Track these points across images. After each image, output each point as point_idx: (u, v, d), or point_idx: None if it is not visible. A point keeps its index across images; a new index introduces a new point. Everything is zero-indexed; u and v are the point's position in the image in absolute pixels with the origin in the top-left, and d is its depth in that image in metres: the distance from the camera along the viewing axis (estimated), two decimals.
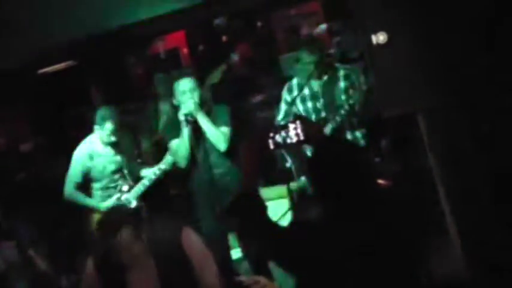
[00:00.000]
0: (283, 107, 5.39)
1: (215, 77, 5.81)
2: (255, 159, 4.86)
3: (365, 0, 2.96)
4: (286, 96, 5.37)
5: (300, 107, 5.28)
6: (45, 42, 6.35)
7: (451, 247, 3.28)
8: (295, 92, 5.28)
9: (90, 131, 6.77)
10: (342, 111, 5.06)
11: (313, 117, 5.21)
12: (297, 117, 5.19)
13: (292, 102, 5.27)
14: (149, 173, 5.42)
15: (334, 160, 2.54)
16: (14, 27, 5.66)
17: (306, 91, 5.22)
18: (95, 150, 5.36)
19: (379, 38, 2.93)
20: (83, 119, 7.70)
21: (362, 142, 5.19)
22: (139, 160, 5.92)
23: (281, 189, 5.91)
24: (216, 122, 4.64)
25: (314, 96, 5.23)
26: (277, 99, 5.71)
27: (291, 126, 4.92)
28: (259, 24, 9.38)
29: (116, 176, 5.40)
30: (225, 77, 6.10)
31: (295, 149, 5.35)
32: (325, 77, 5.20)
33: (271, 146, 5.00)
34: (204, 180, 4.66)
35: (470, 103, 3.01)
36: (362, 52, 6.21)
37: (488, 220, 3.02)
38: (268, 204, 4.96)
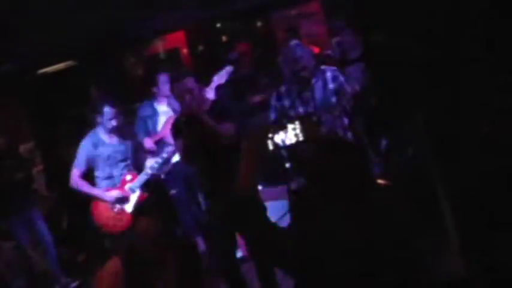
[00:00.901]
0: (273, 115, 5.39)
1: (221, 78, 5.80)
2: (254, 159, 4.85)
3: (365, 0, 2.96)
4: (275, 103, 5.37)
5: (291, 113, 5.28)
6: (46, 42, 6.35)
7: (451, 247, 3.28)
8: (285, 100, 5.29)
9: (90, 130, 6.77)
10: (335, 113, 5.07)
11: None
12: (296, 117, 5.20)
13: (282, 110, 5.27)
14: (152, 163, 5.48)
15: (334, 160, 2.54)
16: (15, 27, 5.66)
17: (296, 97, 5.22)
18: (101, 140, 5.44)
19: (379, 38, 2.93)
20: (83, 119, 7.71)
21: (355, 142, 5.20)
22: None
23: (281, 189, 5.91)
24: (220, 118, 4.63)
25: (304, 101, 5.24)
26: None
27: (290, 126, 4.92)
28: (259, 24, 9.39)
29: (121, 165, 5.47)
30: (230, 79, 6.10)
31: (294, 149, 5.35)
32: (313, 80, 5.20)
33: (271, 147, 5.01)
34: (208, 177, 4.65)
35: (471, 103, 3.01)
36: (362, 52, 6.22)
37: (488, 220, 3.01)
38: (268, 204, 5.00)
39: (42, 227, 6.39)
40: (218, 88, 5.74)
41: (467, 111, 3.05)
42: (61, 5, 5.49)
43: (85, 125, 7.64)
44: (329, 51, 7.07)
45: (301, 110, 5.25)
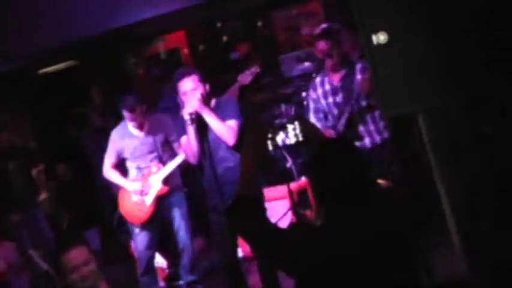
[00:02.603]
0: (311, 105, 5.41)
1: (245, 79, 5.74)
2: (254, 159, 4.85)
3: (365, 0, 2.96)
4: (311, 94, 5.38)
5: (323, 103, 5.29)
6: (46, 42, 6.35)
7: (451, 247, 3.28)
8: (319, 89, 5.31)
9: (90, 131, 6.79)
10: (354, 103, 5.09)
11: (335, 111, 5.21)
12: (296, 117, 5.19)
13: (317, 99, 5.30)
14: (176, 157, 5.49)
15: (334, 160, 2.54)
16: (15, 27, 5.66)
17: (327, 86, 5.23)
18: (128, 131, 5.48)
19: (379, 38, 2.93)
20: (83, 119, 7.71)
21: (376, 136, 5.19)
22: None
23: (281, 189, 5.92)
24: (224, 116, 4.62)
25: (334, 91, 5.24)
26: (277, 100, 5.69)
27: (290, 127, 4.93)
28: (260, 24, 9.39)
29: (149, 157, 5.49)
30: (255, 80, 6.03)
31: (295, 149, 5.35)
32: (343, 71, 5.22)
33: (270, 147, 5.01)
34: (212, 175, 4.64)
35: (471, 103, 3.01)
36: (362, 53, 6.21)
37: (488, 220, 3.01)
38: (269, 204, 5.00)
39: (44, 226, 6.40)
40: (242, 89, 5.69)
41: (467, 111, 3.05)
42: (61, 4, 5.50)
43: (85, 125, 7.66)
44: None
45: (330, 99, 5.24)
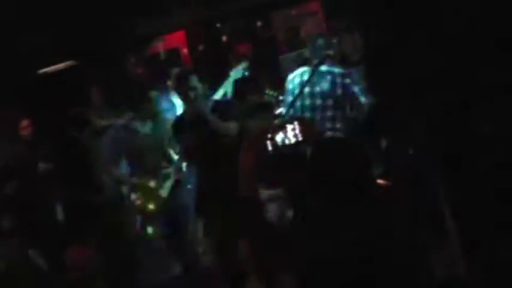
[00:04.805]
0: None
1: (238, 73, 5.82)
2: (253, 160, 4.86)
3: (365, 1, 2.97)
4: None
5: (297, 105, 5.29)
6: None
7: (451, 247, 3.28)
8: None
9: (90, 131, 6.77)
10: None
11: None
12: (295, 117, 5.18)
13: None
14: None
15: (333, 160, 2.54)
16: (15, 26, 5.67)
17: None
18: (134, 130, 5.50)
19: (378, 38, 2.94)
20: (82, 119, 7.70)
21: None
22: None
23: (281, 189, 5.90)
24: (223, 117, 4.62)
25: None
26: (277, 100, 5.68)
27: (289, 127, 4.91)
28: (260, 24, 9.40)
29: (156, 153, 5.51)
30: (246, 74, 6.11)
31: (295, 149, 5.33)
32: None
33: (270, 147, 4.99)
34: (210, 176, 4.64)
35: (471, 103, 3.02)
36: (363, 55, 6.22)
37: (488, 220, 3.02)
38: (268, 204, 4.99)
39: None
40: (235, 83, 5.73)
41: (468, 111, 3.05)
42: (62, 4, 5.51)
43: (85, 125, 7.64)
44: (330, 52, 7.06)
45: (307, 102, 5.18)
